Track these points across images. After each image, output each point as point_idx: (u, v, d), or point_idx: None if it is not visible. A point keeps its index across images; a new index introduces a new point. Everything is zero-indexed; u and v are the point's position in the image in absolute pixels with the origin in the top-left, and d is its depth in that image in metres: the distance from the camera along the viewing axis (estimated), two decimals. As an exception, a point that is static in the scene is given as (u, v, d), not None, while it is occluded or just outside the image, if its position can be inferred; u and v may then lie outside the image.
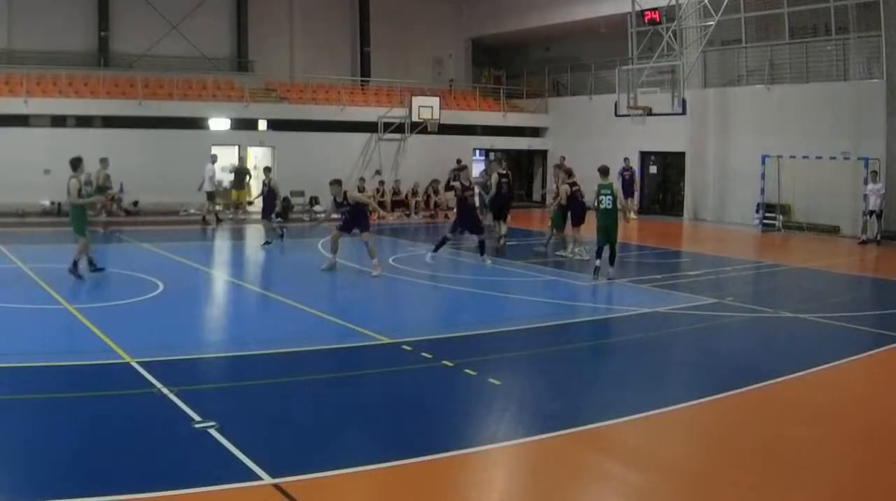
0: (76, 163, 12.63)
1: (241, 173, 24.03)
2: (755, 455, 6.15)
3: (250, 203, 24.24)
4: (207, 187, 22.03)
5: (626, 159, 25.52)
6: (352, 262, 14.57)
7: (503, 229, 17.56)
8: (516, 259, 16.09)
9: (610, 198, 13.27)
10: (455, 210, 16.11)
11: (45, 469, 5.43)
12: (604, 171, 13.60)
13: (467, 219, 15.54)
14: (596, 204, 13.45)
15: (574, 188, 15.97)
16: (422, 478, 5.66)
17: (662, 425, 6.85)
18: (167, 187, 23.76)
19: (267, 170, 19.12)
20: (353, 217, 14.12)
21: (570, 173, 16.71)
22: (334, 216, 15.42)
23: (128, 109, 24.26)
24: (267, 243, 17.60)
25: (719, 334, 10.59)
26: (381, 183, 25.99)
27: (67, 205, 12.22)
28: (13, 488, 5.13)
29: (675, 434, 6.79)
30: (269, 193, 18.27)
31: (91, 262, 12.81)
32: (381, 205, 25.27)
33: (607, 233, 13.33)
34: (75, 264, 12.39)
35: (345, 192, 14.27)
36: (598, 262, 13.49)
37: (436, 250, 15.26)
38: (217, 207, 22.65)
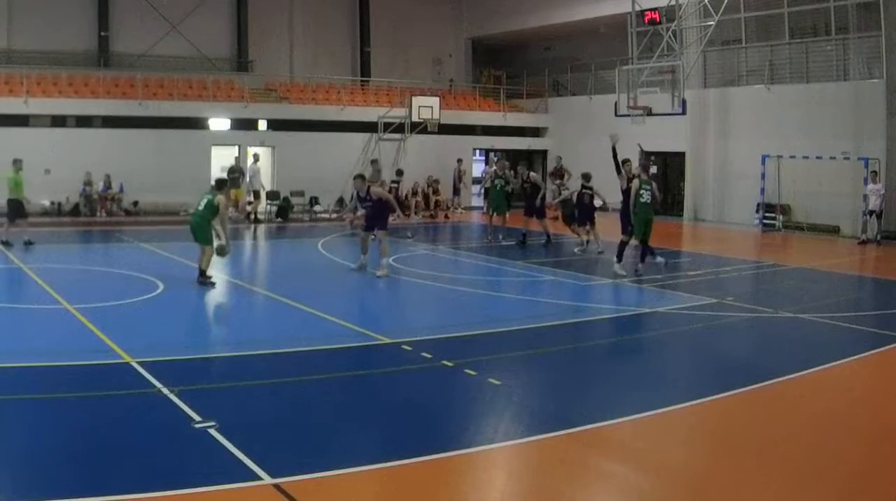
0: (222, 184, 13.21)
1: (234, 172, 24.10)
2: (755, 455, 6.15)
3: (249, 202, 24.24)
4: (253, 186, 22.63)
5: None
6: (352, 263, 14.55)
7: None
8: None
9: (649, 193, 14.07)
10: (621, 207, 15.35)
11: (46, 469, 5.43)
12: (645, 168, 14.56)
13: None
14: (637, 198, 13.97)
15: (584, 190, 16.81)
16: (422, 478, 5.66)
17: (662, 425, 6.85)
18: (167, 187, 23.76)
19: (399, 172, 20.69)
20: (374, 214, 13.98)
21: (587, 177, 17.56)
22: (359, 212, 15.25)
23: (128, 109, 24.26)
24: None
25: (719, 334, 10.58)
26: (381, 182, 25.95)
27: (198, 219, 12.75)
28: (13, 488, 5.13)
29: (675, 434, 6.79)
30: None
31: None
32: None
33: (647, 226, 14.07)
34: (202, 273, 12.55)
35: (368, 187, 14.10)
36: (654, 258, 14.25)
37: (619, 259, 14.52)
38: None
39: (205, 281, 12.55)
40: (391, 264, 15.04)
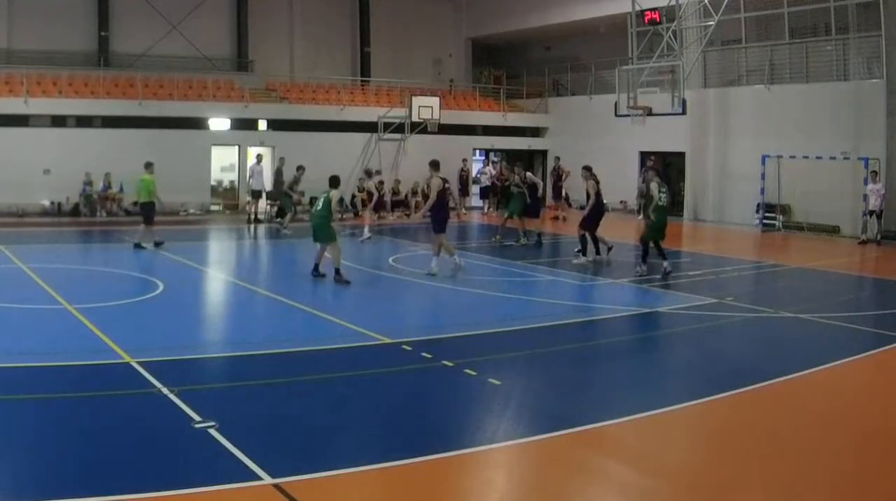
0: (336, 181, 13.59)
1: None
2: (755, 455, 6.15)
3: (248, 203, 24.28)
4: (255, 186, 22.76)
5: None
6: (352, 263, 14.55)
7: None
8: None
9: (666, 195, 14.09)
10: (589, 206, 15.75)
11: (46, 469, 5.43)
12: (658, 171, 14.72)
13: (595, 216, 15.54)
14: (657, 201, 13.94)
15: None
16: (422, 478, 5.66)
17: (662, 425, 6.85)
18: (167, 187, 23.61)
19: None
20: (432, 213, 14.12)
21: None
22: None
23: (128, 109, 24.25)
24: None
25: (719, 334, 10.59)
26: (381, 182, 25.95)
27: (316, 216, 13.35)
28: (13, 488, 5.13)
29: (675, 434, 6.79)
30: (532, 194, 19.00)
31: (317, 268, 13.33)
32: (381, 205, 25.32)
33: (662, 230, 14.02)
34: (337, 271, 12.93)
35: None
36: (666, 264, 13.97)
37: (583, 253, 15.49)
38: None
39: (340, 279, 12.84)
40: (391, 264, 15.10)
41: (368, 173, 21.59)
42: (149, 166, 17.11)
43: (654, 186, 14.09)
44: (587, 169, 16.01)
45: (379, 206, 22.96)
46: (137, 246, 16.41)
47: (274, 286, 13.37)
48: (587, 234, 15.60)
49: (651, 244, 14.19)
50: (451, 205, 15.22)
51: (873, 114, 21.14)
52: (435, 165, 14.56)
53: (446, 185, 14.33)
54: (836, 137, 21.43)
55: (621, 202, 26.24)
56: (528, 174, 19.52)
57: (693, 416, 7.13)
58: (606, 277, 14.32)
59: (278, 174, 21.92)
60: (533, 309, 11.81)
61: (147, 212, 16.84)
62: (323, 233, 13.02)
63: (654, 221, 14.02)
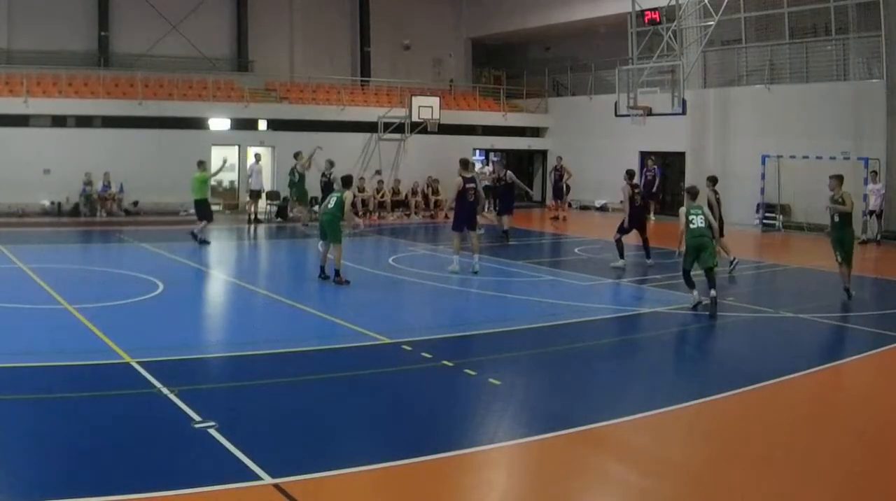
0: (348, 182, 13.63)
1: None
2: (755, 455, 6.15)
3: (247, 203, 24.29)
4: (254, 186, 22.94)
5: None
6: (352, 263, 14.55)
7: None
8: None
9: (701, 218, 11.75)
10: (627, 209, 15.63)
11: (45, 469, 5.43)
12: (693, 194, 12.29)
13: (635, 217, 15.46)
14: (686, 224, 11.80)
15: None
16: (422, 478, 5.66)
17: (662, 425, 6.85)
18: (167, 187, 23.74)
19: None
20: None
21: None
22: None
23: (128, 109, 24.25)
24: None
25: (719, 334, 10.59)
26: (381, 182, 25.98)
27: (327, 215, 13.16)
28: (13, 488, 5.13)
29: (675, 434, 6.79)
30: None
31: (323, 270, 13.30)
32: (381, 205, 25.35)
33: (698, 253, 11.63)
34: (337, 273, 12.90)
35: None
36: (695, 294, 11.66)
37: (621, 256, 15.06)
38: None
39: (340, 279, 12.82)
40: (390, 264, 15.10)
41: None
42: (201, 164, 17.58)
43: (682, 210, 11.98)
44: (628, 173, 15.97)
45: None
46: (203, 242, 17.01)
47: (273, 286, 13.36)
48: (622, 239, 15.22)
49: (702, 271, 11.62)
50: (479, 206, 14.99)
51: (873, 114, 21.13)
52: (463, 164, 14.45)
53: (468, 186, 14.15)
54: (836, 137, 21.42)
55: (621, 202, 26.22)
56: (509, 173, 20.08)
57: (693, 416, 7.13)
58: (607, 277, 14.31)
59: (322, 176, 22.16)
60: (533, 309, 11.79)
61: (202, 209, 17.29)
62: (332, 231, 13.01)
63: (687, 246, 11.73)
